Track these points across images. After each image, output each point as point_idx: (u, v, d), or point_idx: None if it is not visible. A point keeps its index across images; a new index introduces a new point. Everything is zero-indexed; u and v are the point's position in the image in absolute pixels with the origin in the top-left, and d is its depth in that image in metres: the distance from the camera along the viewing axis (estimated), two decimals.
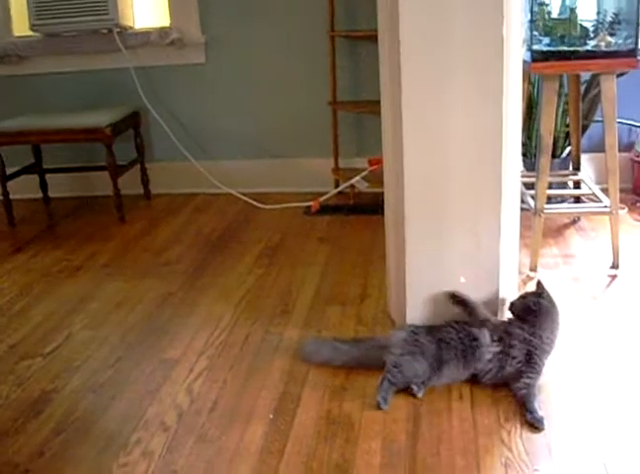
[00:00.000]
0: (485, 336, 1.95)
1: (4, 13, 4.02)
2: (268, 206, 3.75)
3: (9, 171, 3.75)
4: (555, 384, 1.97)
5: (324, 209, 3.64)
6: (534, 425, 1.78)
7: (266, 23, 3.82)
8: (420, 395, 1.93)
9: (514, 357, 1.91)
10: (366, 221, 3.41)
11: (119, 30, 3.85)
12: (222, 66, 3.94)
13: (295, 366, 2.14)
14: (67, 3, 3.78)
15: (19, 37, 4.06)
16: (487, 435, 1.77)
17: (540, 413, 1.82)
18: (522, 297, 2.02)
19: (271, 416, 1.91)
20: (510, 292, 2.24)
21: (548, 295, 2.01)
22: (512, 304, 2.03)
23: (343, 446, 1.76)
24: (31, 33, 3.94)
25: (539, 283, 2.04)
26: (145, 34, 3.92)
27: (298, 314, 2.50)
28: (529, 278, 2.67)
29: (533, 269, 2.72)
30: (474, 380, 1.97)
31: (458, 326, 2.02)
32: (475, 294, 2.13)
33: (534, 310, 1.96)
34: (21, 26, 4.02)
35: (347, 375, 2.07)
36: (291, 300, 2.62)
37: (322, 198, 3.70)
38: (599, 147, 3.38)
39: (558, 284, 2.61)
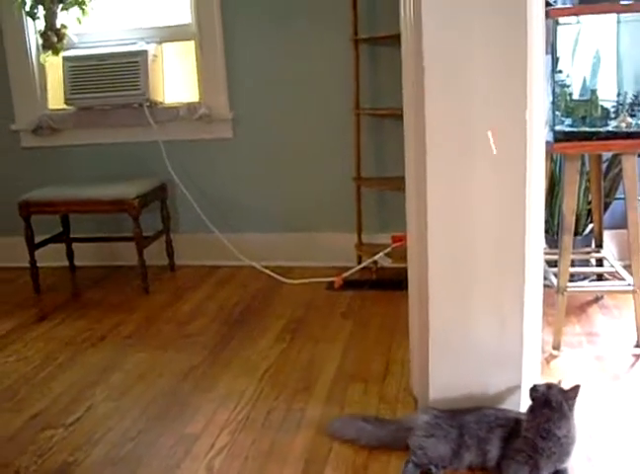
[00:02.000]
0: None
1: (41, 87, 4.16)
2: (290, 281, 3.77)
3: (37, 239, 3.81)
4: (580, 468, 1.93)
5: (347, 285, 3.65)
6: None
7: (292, 100, 3.91)
8: None
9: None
10: (389, 297, 3.41)
11: (149, 104, 3.96)
12: (248, 141, 4.01)
13: (317, 444, 2.13)
14: (101, 79, 3.90)
15: (53, 110, 4.18)
16: None
17: None
18: (548, 387, 1.93)
19: None
20: (533, 371, 2.23)
21: (573, 403, 1.90)
22: (534, 390, 1.95)
23: None
24: (65, 106, 4.06)
25: (576, 388, 1.91)
26: (175, 108, 4.02)
27: (321, 390, 2.49)
28: (553, 357, 2.65)
29: (557, 347, 2.70)
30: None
31: (481, 412, 2.02)
32: (499, 373, 2.12)
33: (554, 408, 1.88)
34: (56, 99, 4.15)
35: (369, 455, 2.05)
36: (314, 376, 2.61)
37: (345, 274, 3.72)
38: (621, 224, 3.39)
39: (581, 363, 2.59)
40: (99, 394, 2.57)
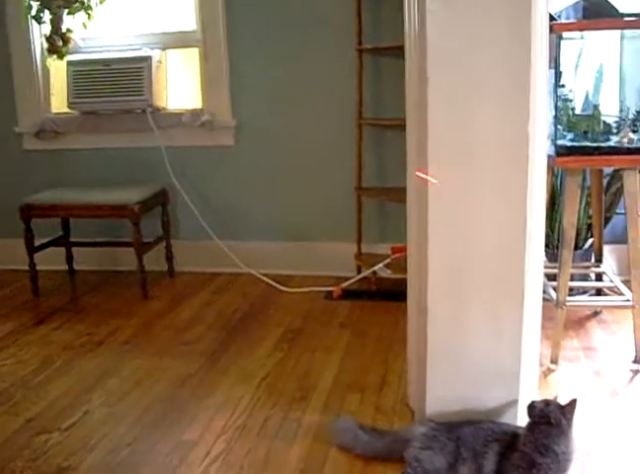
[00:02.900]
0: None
1: (45, 91, 4.17)
2: (289, 289, 3.77)
3: (37, 242, 3.82)
4: None
5: (346, 294, 3.65)
6: None
7: (295, 109, 3.92)
8: None
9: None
10: (388, 308, 3.41)
11: (152, 110, 3.97)
12: (250, 149, 4.02)
13: (313, 453, 2.13)
14: (105, 84, 3.92)
15: (57, 113, 4.19)
16: None
17: None
18: (546, 404, 1.92)
19: None
20: (530, 385, 2.22)
21: (571, 418, 1.89)
22: (532, 407, 1.93)
23: None
24: (68, 110, 4.07)
25: (574, 402, 1.90)
26: (177, 115, 4.03)
27: (317, 400, 2.49)
28: (550, 371, 2.65)
29: (554, 361, 2.70)
30: None
31: (478, 426, 2.01)
32: (497, 386, 2.12)
33: (552, 424, 1.87)
34: (59, 103, 4.16)
35: (365, 465, 2.05)
36: (311, 385, 2.61)
37: (344, 284, 3.72)
38: (621, 239, 3.39)
39: (579, 378, 2.59)
40: (95, 399, 2.57)
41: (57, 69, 4.13)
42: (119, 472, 2.08)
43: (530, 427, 1.92)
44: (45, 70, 4.14)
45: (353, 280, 3.78)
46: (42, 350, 3.05)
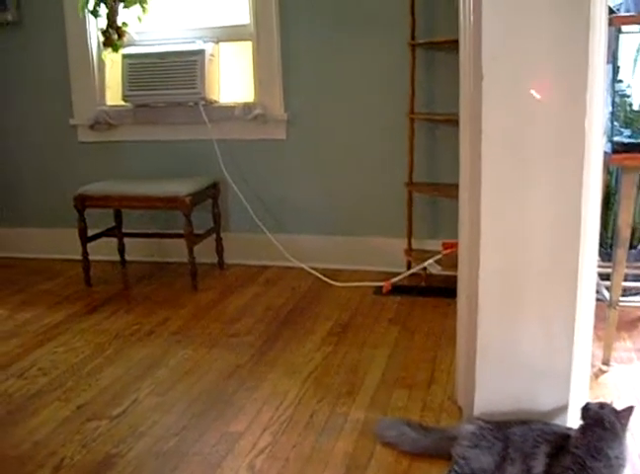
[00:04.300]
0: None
1: (100, 84, 4.23)
2: (339, 284, 3.76)
3: (90, 232, 3.88)
4: None
5: (395, 290, 3.63)
6: None
7: (346, 103, 3.91)
8: None
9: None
10: (437, 304, 3.39)
11: (204, 103, 3.99)
12: (302, 143, 4.02)
13: (359, 449, 2.12)
14: (158, 77, 3.96)
15: (111, 106, 4.25)
16: None
17: None
18: (601, 407, 1.88)
19: None
20: (581, 387, 2.19)
21: (626, 424, 1.85)
22: (586, 409, 1.90)
23: None
24: (122, 102, 4.12)
25: (631, 408, 1.86)
26: (230, 108, 4.05)
27: (364, 395, 2.48)
28: (602, 372, 2.60)
29: (606, 362, 2.65)
30: None
31: (528, 426, 1.98)
32: (547, 386, 2.09)
33: (606, 428, 1.83)
34: (114, 96, 4.22)
35: (411, 462, 2.04)
36: (358, 380, 2.60)
37: (394, 280, 3.70)
38: None
39: (631, 380, 2.54)
40: (144, 388, 2.60)
41: (113, 63, 4.19)
42: (165, 461, 2.10)
43: (583, 429, 1.88)
44: (101, 63, 4.21)
45: (402, 276, 3.76)
46: (94, 338, 3.10)
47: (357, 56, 3.84)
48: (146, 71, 3.97)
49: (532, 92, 1.91)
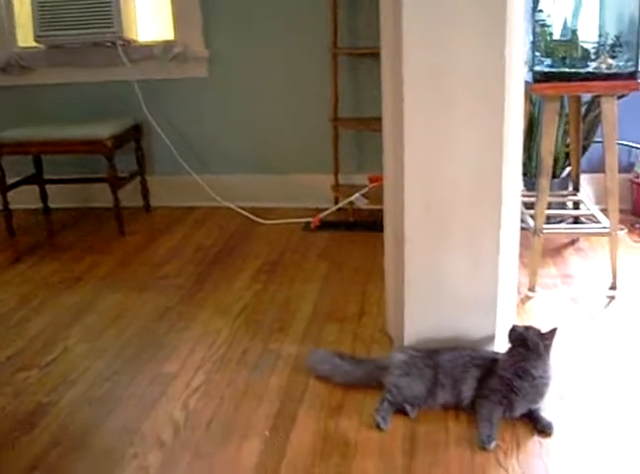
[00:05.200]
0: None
1: (9, 24, 4.04)
2: (267, 221, 3.75)
3: (9, 181, 3.75)
4: (554, 407, 1.96)
5: (323, 226, 3.64)
6: (545, 430, 1.85)
7: (268, 39, 3.84)
8: (413, 415, 1.94)
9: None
10: (366, 238, 3.41)
11: (122, 43, 3.87)
12: (224, 81, 3.95)
13: (292, 383, 2.14)
14: (71, 15, 3.80)
15: (23, 47, 4.08)
16: (483, 456, 1.77)
17: (548, 418, 1.87)
18: (526, 329, 1.94)
19: (267, 433, 1.91)
20: (508, 313, 2.24)
21: (549, 344, 1.91)
22: (512, 331, 1.96)
23: (339, 465, 1.76)
24: (35, 44, 3.95)
25: (554, 330, 1.92)
26: (149, 47, 3.93)
27: (296, 330, 2.50)
28: (528, 298, 2.67)
29: (532, 288, 2.72)
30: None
31: (457, 352, 2.04)
32: (475, 314, 2.13)
33: (530, 348, 1.89)
34: (25, 37, 4.04)
35: (344, 393, 2.07)
36: (289, 316, 2.62)
37: (322, 215, 3.71)
38: (598, 168, 3.40)
39: (556, 305, 2.62)
40: (74, 335, 2.56)
41: (22, 1, 3.99)
42: (99, 406, 2.09)
43: (509, 351, 1.94)
44: (9, 2, 4.00)
45: (330, 211, 3.77)
46: (20, 288, 3.04)
47: None
48: (58, 9, 3.79)
49: None
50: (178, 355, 2.37)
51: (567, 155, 3.38)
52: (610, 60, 2.55)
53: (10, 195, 3.75)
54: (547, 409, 1.92)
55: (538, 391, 1.89)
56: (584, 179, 3.35)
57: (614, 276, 2.72)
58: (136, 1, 3.92)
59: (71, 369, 2.31)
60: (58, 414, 2.05)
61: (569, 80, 2.55)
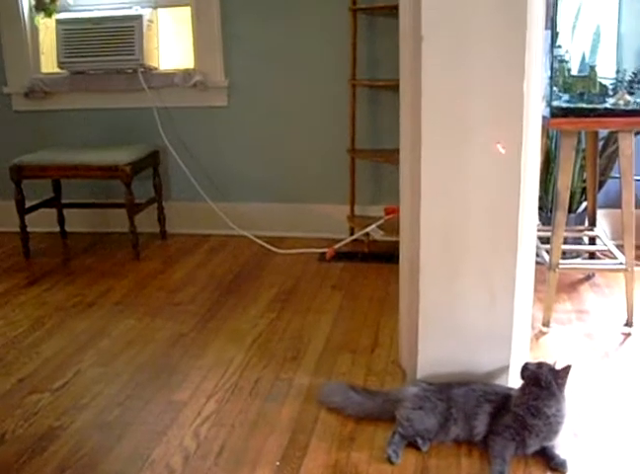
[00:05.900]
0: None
1: (34, 50, 4.11)
2: (282, 251, 3.76)
3: (28, 204, 3.79)
4: (568, 444, 1.94)
5: (338, 256, 3.64)
6: (559, 468, 1.83)
7: (288, 69, 3.87)
8: (424, 449, 1.93)
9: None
10: (380, 269, 3.41)
11: (143, 70, 3.92)
12: (243, 110, 3.98)
13: (304, 413, 2.13)
14: (95, 43, 3.86)
15: (46, 73, 4.13)
16: None
17: (562, 456, 1.85)
18: (539, 366, 1.92)
19: (277, 463, 1.89)
20: (522, 348, 2.23)
21: (563, 383, 1.89)
22: (525, 369, 1.94)
23: None
24: (58, 70, 4.01)
25: (568, 367, 1.90)
26: (169, 75, 3.98)
27: (309, 361, 2.49)
28: (542, 333, 2.65)
29: (546, 324, 2.70)
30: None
31: (470, 387, 2.03)
32: (488, 348, 2.12)
33: (542, 386, 1.88)
34: (49, 63, 4.11)
35: (356, 425, 2.05)
36: (302, 346, 2.61)
37: (337, 246, 3.71)
38: (615, 203, 3.39)
39: (571, 340, 2.60)
40: (87, 359, 2.56)
41: (47, 28, 4.06)
42: (110, 431, 2.08)
43: (522, 388, 1.93)
44: (34, 29, 4.07)
45: (345, 242, 3.77)
46: (34, 311, 3.05)
47: (298, 21, 3.80)
48: (82, 37, 3.86)
49: (498, 147, 1.93)
50: (190, 382, 2.37)
51: (584, 190, 3.38)
52: (628, 96, 2.56)
53: (28, 217, 3.78)
54: (561, 446, 1.91)
55: (552, 429, 1.87)
56: (600, 214, 3.34)
57: (630, 313, 2.70)
58: (159, 30, 3.97)
59: (83, 394, 2.31)
60: (69, 438, 2.05)
61: (586, 116, 2.56)
